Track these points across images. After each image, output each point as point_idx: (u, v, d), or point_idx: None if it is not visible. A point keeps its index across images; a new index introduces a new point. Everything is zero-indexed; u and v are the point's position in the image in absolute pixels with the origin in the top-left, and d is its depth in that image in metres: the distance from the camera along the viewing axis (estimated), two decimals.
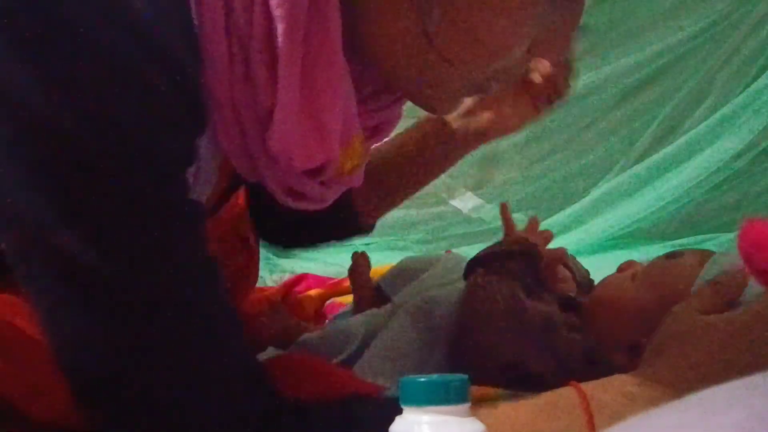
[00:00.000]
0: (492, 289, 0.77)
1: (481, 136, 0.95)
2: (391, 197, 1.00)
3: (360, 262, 1.07)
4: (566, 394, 0.60)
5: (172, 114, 0.53)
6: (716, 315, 0.64)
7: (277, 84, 0.57)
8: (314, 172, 0.65)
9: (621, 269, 0.81)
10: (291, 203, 0.68)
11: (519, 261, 0.81)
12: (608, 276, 0.81)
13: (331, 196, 0.71)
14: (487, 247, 0.88)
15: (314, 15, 0.57)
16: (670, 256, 0.76)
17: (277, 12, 0.56)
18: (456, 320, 0.78)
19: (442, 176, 1.01)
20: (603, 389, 0.61)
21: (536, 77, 0.89)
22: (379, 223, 1.00)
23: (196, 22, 0.55)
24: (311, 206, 0.70)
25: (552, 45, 0.64)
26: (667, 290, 0.70)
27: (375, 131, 0.73)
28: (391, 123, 0.76)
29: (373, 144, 0.73)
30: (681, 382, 0.59)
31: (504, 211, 1.02)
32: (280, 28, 0.56)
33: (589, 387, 0.61)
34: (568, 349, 0.73)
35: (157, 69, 0.52)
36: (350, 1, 0.59)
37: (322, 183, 0.67)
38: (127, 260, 0.52)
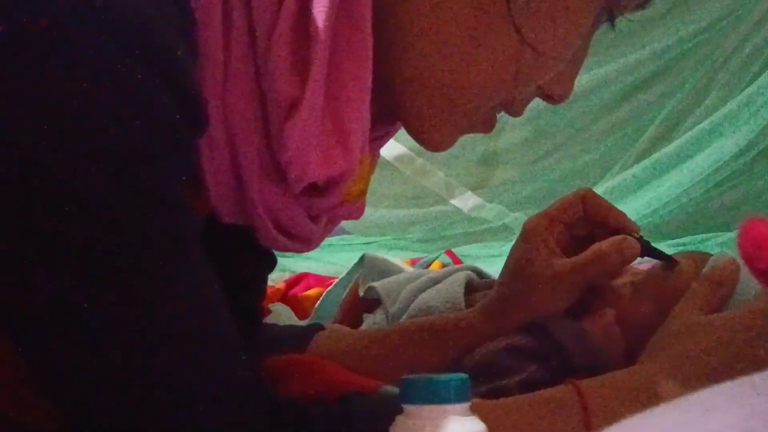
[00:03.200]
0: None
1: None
2: None
3: None
4: (565, 392, 0.61)
5: (168, 120, 0.50)
6: (716, 314, 0.64)
7: (306, 74, 0.53)
8: (319, 192, 0.60)
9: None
10: (277, 241, 0.61)
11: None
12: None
13: (318, 236, 0.65)
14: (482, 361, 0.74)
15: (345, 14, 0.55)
16: (666, 267, 0.76)
17: None
18: None
19: (442, 176, 1.00)
20: (601, 387, 0.61)
21: None
22: (379, 223, 0.99)
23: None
24: (295, 247, 0.64)
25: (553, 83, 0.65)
26: (665, 303, 0.70)
27: None
28: (377, 157, 0.72)
29: None
30: (680, 381, 0.59)
31: None
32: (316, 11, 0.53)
33: (588, 385, 0.61)
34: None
35: (145, 67, 0.48)
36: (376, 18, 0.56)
37: (313, 217, 0.62)
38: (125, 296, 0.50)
